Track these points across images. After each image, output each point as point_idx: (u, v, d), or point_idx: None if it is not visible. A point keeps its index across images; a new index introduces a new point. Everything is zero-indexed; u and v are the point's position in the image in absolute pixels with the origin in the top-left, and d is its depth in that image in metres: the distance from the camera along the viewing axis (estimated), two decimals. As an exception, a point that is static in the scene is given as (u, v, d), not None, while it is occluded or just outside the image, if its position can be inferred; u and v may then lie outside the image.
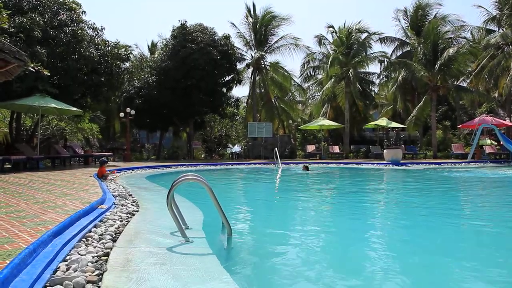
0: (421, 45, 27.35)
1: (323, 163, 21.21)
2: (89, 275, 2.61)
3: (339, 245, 4.47)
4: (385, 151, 21.33)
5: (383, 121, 27.10)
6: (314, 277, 3.25)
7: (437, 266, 3.57)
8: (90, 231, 3.88)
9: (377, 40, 32.14)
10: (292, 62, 74.12)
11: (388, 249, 4.28)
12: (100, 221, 4.40)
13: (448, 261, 3.75)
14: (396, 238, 4.85)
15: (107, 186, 8.07)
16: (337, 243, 4.60)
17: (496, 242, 4.60)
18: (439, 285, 3.11)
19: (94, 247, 3.30)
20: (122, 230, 4.02)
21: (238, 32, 31.33)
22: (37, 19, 14.33)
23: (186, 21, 26.12)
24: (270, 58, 32.47)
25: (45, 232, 3.35)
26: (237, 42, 30.70)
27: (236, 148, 34.57)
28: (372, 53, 30.76)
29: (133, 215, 4.98)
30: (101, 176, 9.87)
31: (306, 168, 15.51)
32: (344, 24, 32.37)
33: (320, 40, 32.46)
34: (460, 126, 28.43)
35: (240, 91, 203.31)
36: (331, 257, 3.97)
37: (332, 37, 32.71)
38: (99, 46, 17.53)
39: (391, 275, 3.36)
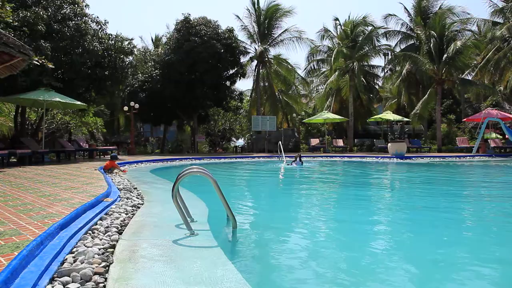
0: (428, 38, 27.06)
1: (327, 156, 21.18)
2: (96, 266, 2.65)
3: (344, 237, 4.48)
4: (389, 144, 21.27)
5: (387, 115, 26.99)
6: (319, 269, 3.27)
7: (441, 258, 3.58)
8: (96, 223, 3.92)
9: (381, 33, 31.85)
10: (296, 55, 73.97)
11: (392, 241, 4.29)
12: (106, 214, 4.44)
13: (453, 253, 3.76)
14: (401, 232, 4.85)
15: (112, 179, 8.12)
16: (342, 234, 4.60)
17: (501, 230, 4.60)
18: (445, 276, 3.11)
19: (100, 240, 3.34)
20: (128, 223, 4.06)
21: (242, 25, 31.23)
22: (41, 13, 14.32)
23: (189, 14, 26.10)
24: (273, 51, 32.42)
25: (52, 225, 3.39)
26: (241, 35, 30.67)
27: (240, 142, 34.60)
28: (376, 46, 30.54)
29: (138, 208, 5.02)
30: (108, 170, 9.97)
31: (298, 158, 14.88)
32: (349, 17, 32.20)
33: (325, 33, 32.24)
34: (465, 119, 28.26)
35: (244, 85, 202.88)
36: (336, 248, 3.98)
37: (336, 30, 32.49)
38: (103, 40, 17.52)
39: (395, 267, 3.37)
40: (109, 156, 12.39)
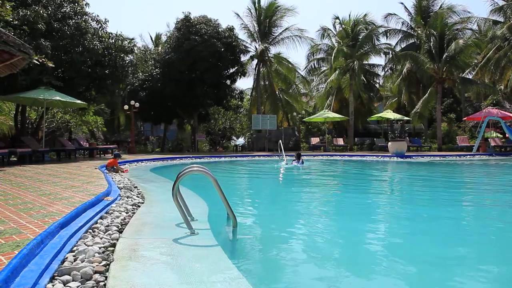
0: (429, 37, 27.01)
1: (327, 155, 21.18)
2: (96, 265, 2.65)
3: (344, 236, 4.47)
4: (389, 143, 21.26)
5: (387, 114, 26.97)
6: (319, 267, 3.27)
7: (441, 257, 3.58)
8: (96, 222, 3.92)
9: (382, 32, 31.82)
10: (296, 54, 73.91)
11: (393, 243, 4.29)
12: (106, 212, 4.44)
13: (451, 250, 3.76)
14: (403, 233, 4.84)
15: (112, 178, 8.12)
16: (343, 233, 4.60)
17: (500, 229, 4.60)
18: (443, 274, 3.11)
19: (101, 238, 3.33)
20: (128, 222, 4.06)
21: (242, 24, 31.20)
22: (41, 11, 14.31)
23: (190, 13, 26.05)
24: (274, 50, 32.35)
25: (52, 224, 3.39)
26: (241, 34, 30.61)
27: (240, 141, 34.57)
28: (377, 45, 30.49)
29: (139, 207, 5.02)
30: (110, 167, 10.01)
31: (298, 157, 14.79)
32: (349, 15, 32.12)
33: (324, 32, 32.19)
34: (465, 118, 28.23)
35: (244, 83, 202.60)
36: (336, 247, 3.98)
37: (336, 29, 32.41)
38: (103, 39, 17.50)
39: (395, 270, 3.37)
40: (112, 154, 12.42)
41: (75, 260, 2.77)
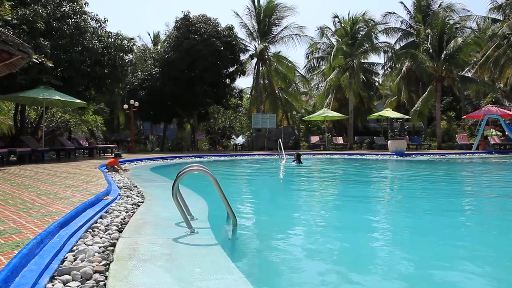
0: (428, 35, 27.00)
1: (327, 154, 21.18)
2: (96, 265, 2.64)
3: (344, 234, 4.47)
4: (389, 142, 21.26)
5: (387, 112, 26.96)
6: (319, 266, 3.27)
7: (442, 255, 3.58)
8: (96, 222, 3.91)
9: (381, 30, 31.78)
10: (295, 53, 73.87)
11: (393, 242, 4.29)
12: (106, 212, 4.43)
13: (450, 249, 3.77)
14: (402, 232, 4.85)
15: (112, 177, 8.12)
16: (343, 231, 4.60)
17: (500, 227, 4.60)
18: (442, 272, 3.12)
19: (101, 238, 3.33)
20: (128, 221, 4.05)
21: (242, 22, 31.16)
22: (40, 11, 14.29)
23: (189, 12, 26.02)
24: (273, 49, 32.33)
25: (52, 223, 3.38)
26: (241, 33, 30.57)
27: (240, 140, 34.57)
28: (376, 44, 30.47)
29: (139, 206, 5.02)
30: (110, 167, 10.02)
31: (298, 158, 14.47)
32: (348, 14, 32.07)
33: (323, 31, 32.14)
34: (465, 116, 28.24)
35: (244, 82, 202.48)
36: (336, 247, 3.98)
37: (335, 27, 32.36)
38: (102, 38, 17.48)
39: (395, 269, 3.37)
40: (111, 154, 12.44)
41: (75, 259, 2.77)
